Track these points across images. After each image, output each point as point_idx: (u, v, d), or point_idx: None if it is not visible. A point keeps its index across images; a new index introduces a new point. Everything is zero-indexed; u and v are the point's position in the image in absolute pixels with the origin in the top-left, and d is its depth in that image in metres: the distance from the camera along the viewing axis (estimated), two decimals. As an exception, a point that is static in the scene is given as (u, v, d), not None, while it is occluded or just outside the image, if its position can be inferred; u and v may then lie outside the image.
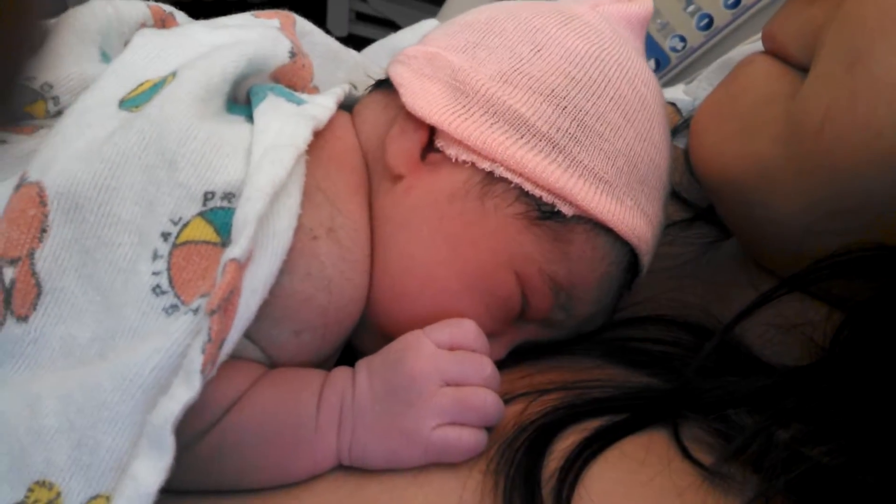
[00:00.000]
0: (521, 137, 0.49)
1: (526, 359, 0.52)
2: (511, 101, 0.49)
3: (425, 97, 0.51)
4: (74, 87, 0.50)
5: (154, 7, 0.58)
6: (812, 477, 0.41)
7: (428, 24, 0.72)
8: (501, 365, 0.51)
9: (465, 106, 0.50)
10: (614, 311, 0.55)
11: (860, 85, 0.43)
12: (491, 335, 0.50)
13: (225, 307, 0.41)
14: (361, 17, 2.24)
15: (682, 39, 1.26)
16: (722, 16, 1.23)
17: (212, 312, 0.40)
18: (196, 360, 0.39)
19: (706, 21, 1.24)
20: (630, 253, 0.52)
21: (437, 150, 0.51)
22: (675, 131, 0.73)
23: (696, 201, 0.67)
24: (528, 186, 0.49)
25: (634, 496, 0.41)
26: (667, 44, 1.27)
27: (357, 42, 0.70)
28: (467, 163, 0.49)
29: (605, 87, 0.51)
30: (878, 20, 0.43)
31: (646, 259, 0.53)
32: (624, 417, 0.46)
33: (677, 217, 0.66)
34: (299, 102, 0.51)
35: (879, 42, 0.42)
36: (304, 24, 0.62)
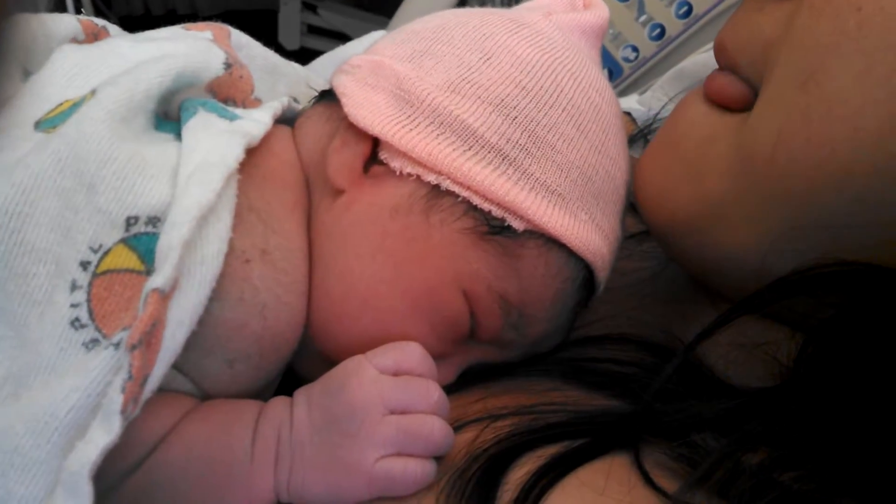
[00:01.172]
0: (469, 149, 0.47)
1: (478, 381, 0.50)
2: (458, 111, 0.47)
3: (368, 107, 0.48)
4: None
5: (85, 21, 0.54)
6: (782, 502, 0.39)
7: (377, 35, 0.69)
8: (451, 388, 0.48)
9: (410, 116, 0.47)
10: (570, 330, 0.53)
11: (813, 102, 0.42)
12: (439, 357, 0.48)
13: (148, 341, 0.37)
14: (313, 31, 2.21)
15: (635, 49, 1.25)
16: (674, 26, 1.22)
17: (132, 347, 0.37)
18: (116, 400, 0.36)
19: (658, 31, 1.24)
20: (585, 269, 0.49)
21: (381, 163, 0.48)
22: (631, 141, 0.71)
23: None
24: (476, 200, 0.46)
25: None
26: (619, 54, 1.26)
27: (309, 55, 0.67)
28: (412, 176, 0.47)
29: (558, 96, 0.49)
30: (832, 36, 0.41)
31: (602, 275, 0.51)
32: (581, 443, 0.43)
33: (634, 229, 0.64)
34: (232, 118, 0.48)
35: (833, 59, 0.41)
36: (239, 37, 0.58)
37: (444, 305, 0.47)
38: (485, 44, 0.50)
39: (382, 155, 0.48)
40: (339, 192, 0.49)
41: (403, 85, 0.48)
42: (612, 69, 1.27)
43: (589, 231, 0.48)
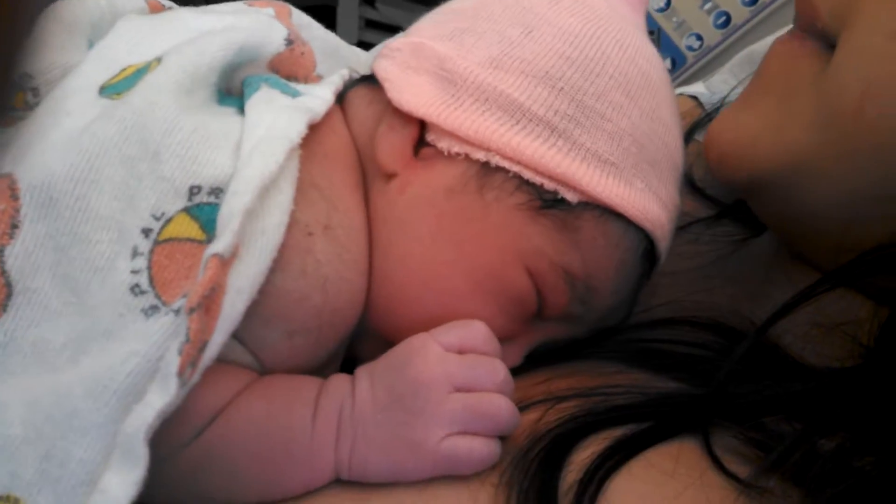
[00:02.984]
0: (517, 123, 0.46)
1: (543, 364, 0.49)
2: (503, 86, 0.46)
3: (411, 90, 0.47)
4: (56, 77, 0.47)
5: (152, 1, 0.55)
6: (861, 490, 0.37)
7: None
8: (516, 371, 0.47)
9: (453, 96, 0.47)
10: (634, 303, 0.51)
11: None
12: (506, 338, 0.47)
13: (207, 306, 0.37)
14: (371, 25, 2.22)
15: (699, 38, 1.22)
16: (740, 13, 1.19)
17: (191, 311, 0.36)
18: (173, 362, 0.36)
19: (724, 19, 1.20)
20: (645, 239, 0.48)
21: (430, 145, 0.47)
22: (698, 125, 0.69)
23: (720, 197, 0.63)
24: (527, 174, 0.45)
25: None
26: (683, 42, 1.23)
27: (367, 49, 0.67)
28: (461, 155, 0.46)
29: (604, 64, 0.47)
30: None
31: (663, 245, 0.49)
32: (648, 426, 0.42)
33: (702, 214, 0.62)
34: (295, 94, 0.47)
35: None
36: (301, 17, 0.58)
37: (508, 284, 0.46)
38: (525, 17, 0.49)
39: (430, 137, 0.47)
40: (391, 176, 0.48)
41: (445, 65, 0.47)
42: (676, 58, 1.24)
43: (646, 199, 0.47)
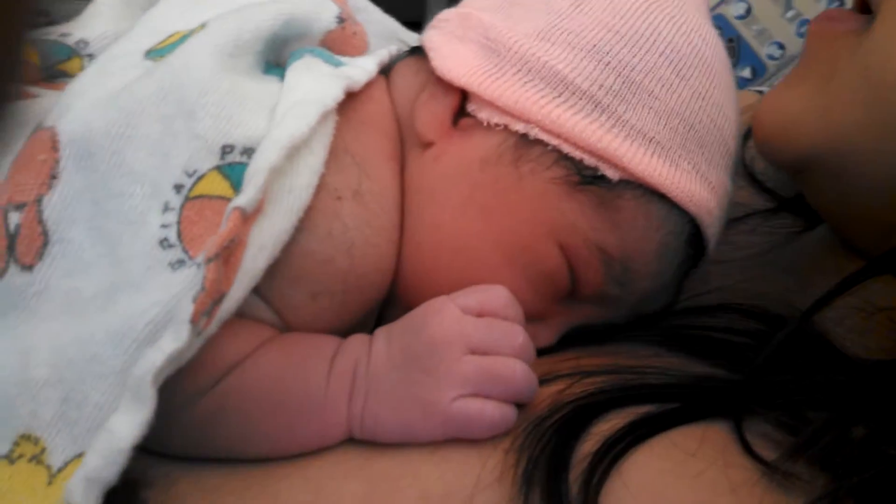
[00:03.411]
0: (559, 96, 0.45)
1: (575, 344, 0.47)
2: (547, 58, 0.45)
3: (455, 59, 0.47)
4: (110, 44, 0.49)
5: None
6: (891, 479, 0.34)
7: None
8: (547, 350, 0.46)
9: (496, 65, 0.46)
10: (678, 291, 0.50)
11: None
12: (538, 317, 0.46)
13: (225, 257, 0.37)
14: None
15: (781, 47, 1.18)
16: (825, 20, 1.15)
17: (208, 260, 0.37)
18: (186, 309, 0.36)
19: (808, 27, 1.16)
20: (690, 223, 0.46)
21: (470, 116, 0.47)
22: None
23: (780, 190, 0.61)
24: (566, 148, 0.44)
25: (680, 489, 0.36)
26: (764, 51, 1.20)
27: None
28: (500, 126, 0.45)
29: (655, 40, 0.46)
30: None
31: (710, 231, 0.47)
32: (678, 406, 0.40)
33: (760, 206, 0.60)
34: (338, 64, 0.48)
35: None
36: (357, 0, 0.59)
37: (539, 259, 0.45)
38: None
39: (470, 107, 0.47)
40: (428, 145, 0.48)
41: (490, 34, 0.47)
42: (756, 67, 1.20)
43: (692, 181, 0.45)
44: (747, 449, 0.37)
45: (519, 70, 0.46)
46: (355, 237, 0.43)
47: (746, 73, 1.20)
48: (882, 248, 0.42)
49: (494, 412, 0.39)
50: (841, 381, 0.39)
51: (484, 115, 0.46)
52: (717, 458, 0.37)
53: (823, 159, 0.44)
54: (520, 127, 0.45)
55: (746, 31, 1.19)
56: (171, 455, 0.41)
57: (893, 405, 0.37)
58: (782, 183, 0.61)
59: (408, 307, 0.46)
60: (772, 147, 0.47)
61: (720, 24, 1.21)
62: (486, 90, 0.45)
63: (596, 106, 0.44)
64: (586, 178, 0.45)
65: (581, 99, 0.45)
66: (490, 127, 0.46)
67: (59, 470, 0.37)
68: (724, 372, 0.43)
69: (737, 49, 1.20)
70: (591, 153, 0.44)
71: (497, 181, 0.45)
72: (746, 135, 0.64)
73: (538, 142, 0.45)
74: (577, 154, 0.44)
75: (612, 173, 0.44)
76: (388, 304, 0.47)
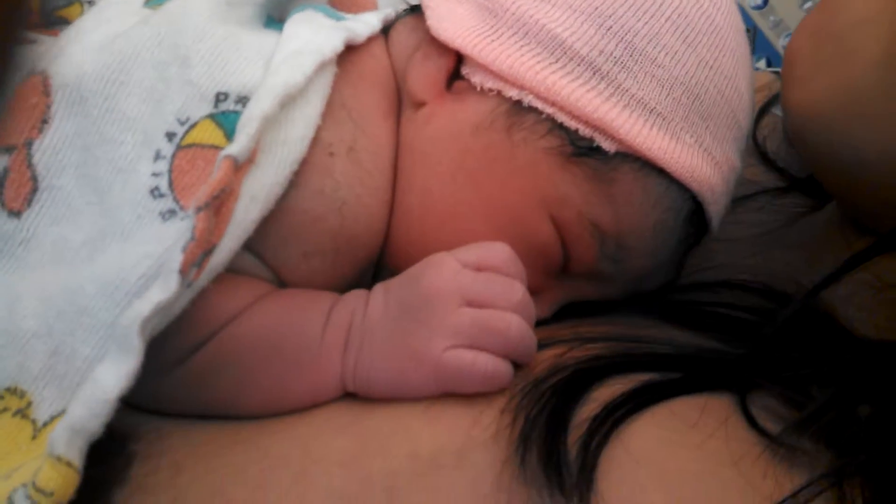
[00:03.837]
0: (556, 62, 0.43)
1: (573, 316, 0.46)
2: (546, 20, 0.43)
3: (451, 19, 0.45)
4: None
5: None
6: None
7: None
8: (545, 321, 0.45)
9: (493, 27, 0.44)
10: (679, 271, 0.48)
11: None
12: (531, 291, 0.44)
13: (216, 207, 0.36)
14: None
15: (798, 38, 1.17)
16: (843, 13, 1.13)
17: (198, 210, 0.36)
18: (175, 259, 0.35)
19: (825, 18, 1.14)
20: (691, 199, 0.44)
21: (464, 78, 0.45)
22: (777, 99, 0.65)
23: (793, 171, 0.59)
24: (561, 117, 0.43)
25: (680, 458, 0.34)
26: (780, 42, 1.18)
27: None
28: (493, 91, 0.44)
29: (661, 5, 0.44)
30: None
31: (713, 209, 0.45)
32: (681, 375, 0.38)
33: (770, 185, 0.58)
34: (339, 19, 0.47)
35: None
36: None
37: (530, 231, 0.44)
38: None
39: (465, 70, 0.45)
40: (419, 105, 0.46)
41: None
42: (771, 58, 1.18)
43: (694, 156, 0.43)
44: (751, 421, 0.36)
45: (515, 33, 0.44)
46: (346, 196, 0.42)
47: (762, 63, 1.18)
48: (890, 224, 0.40)
49: (487, 363, 0.37)
50: (847, 357, 0.38)
51: (478, 79, 0.44)
52: (719, 430, 0.35)
53: (835, 119, 0.42)
54: (513, 93, 0.43)
55: (763, 22, 1.17)
56: (164, 413, 0.40)
57: None
58: (794, 162, 0.60)
59: (397, 273, 0.45)
60: (787, 93, 0.45)
61: (736, 14, 1.19)
62: (480, 53, 0.44)
63: (595, 73, 0.43)
64: (581, 149, 0.43)
65: (579, 65, 0.43)
66: (483, 91, 0.44)
67: (45, 424, 0.36)
68: (727, 346, 0.42)
69: (752, 39, 1.18)
70: (587, 123, 0.43)
71: (488, 148, 0.44)
72: (760, 112, 0.63)
73: (532, 109, 0.43)
74: (572, 124, 0.43)
75: (608, 145, 0.43)
76: (378, 269, 0.46)
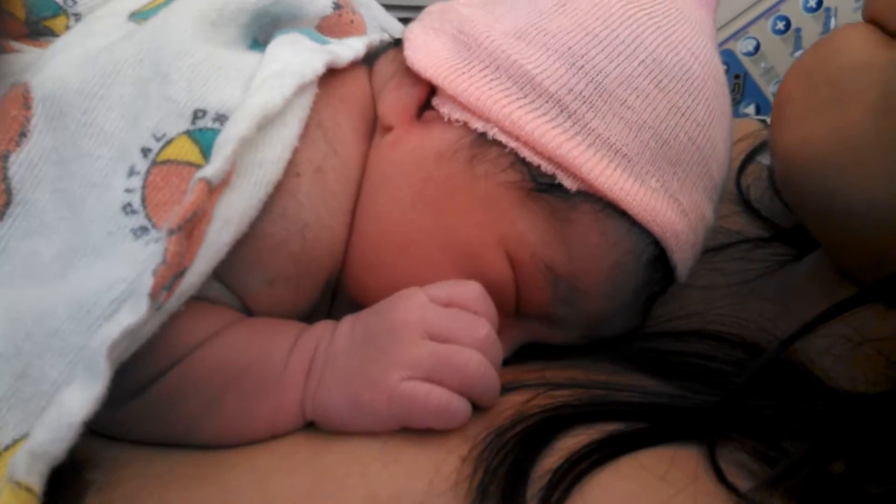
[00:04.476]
0: (524, 97, 0.43)
1: (537, 358, 0.45)
2: (518, 57, 0.43)
3: (425, 50, 0.45)
4: (99, 5, 0.48)
5: None
6: None
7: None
8: (509, 361, 0.44)
9: (465, 60, 0.44)
10: (644, 316, 0.47)
11: None
12: None
13: (188, 230, 0.36)
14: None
15: (787, 86, 1.18)
16: (833, 64, 1.14)
17: (170, 232, 0.35)
18: (146, 283, 0.34)
19: (815, 68, 1.16)
20: (653, 244, 0.44)
21: (433, 108, 0.45)
22: (763, 147, 0.65)
23: (777, 220, 0.59)
24: (524, 152, 0.42)
25: None
26: (769, 89, 1.19)
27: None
28: (460, 122, 0.44)
29: (635, 49, 0.43)
30: None
31: (678, 256, 0.45)
32: (648, 425, 0.38)
33: (752, 234, 0.58)
34: (324, 42, 0.46)
35: None
36: None
37: (486, 267, 0.43)
38: None
39: (435, 101, 0.45)
40: (388, 129, 0.46)
41: (465, 28, 0.45)
42: (761, 104, 1.19)
43: (659, 200, 0.43)
44: (720, 477, 0.35)
45: (486, 67, 0.44)
46: (308, 218, 0.41)
47: (751, 109, 1.19)
48: (875, 276, 0.40)
49: (441, 397, 0.37)
50: (821, 411, 0.37)
51: (446, 109, 0.44)
52: (688, 485, 0.35)
53: (826, 164, 0.42)
54: (479, 125, 0.43)
55: (754, 68, 1.18)
56: (123, 438, 0.39)
57: (875, 440, 0.35)
58: (778, 211, 0.60)
59: (351, 301, 0.45)
60: (778, 137, 0.45)
61: (728, 59, 1.20)
62: (450, 84, 0.44)
63: (562, 111, 0.42)
64: (541, 185, 0.42)
65: (547, 102, 0.42)
66: (450, 122, 0.44)
67: (7, 447, 0.35)
68: (697, 396, 0.41)
69: (743, 85, 1.19)
70: (550, 159, 0.42)
71: (450, 178, 0.43)
72: (745, 160, 0.63)
73: (496, 143, 0.43)
74: (534, 159, 0.42)
75: (569, 183, 0.42)
76: (335, 293, 0.46)
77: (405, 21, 0.59)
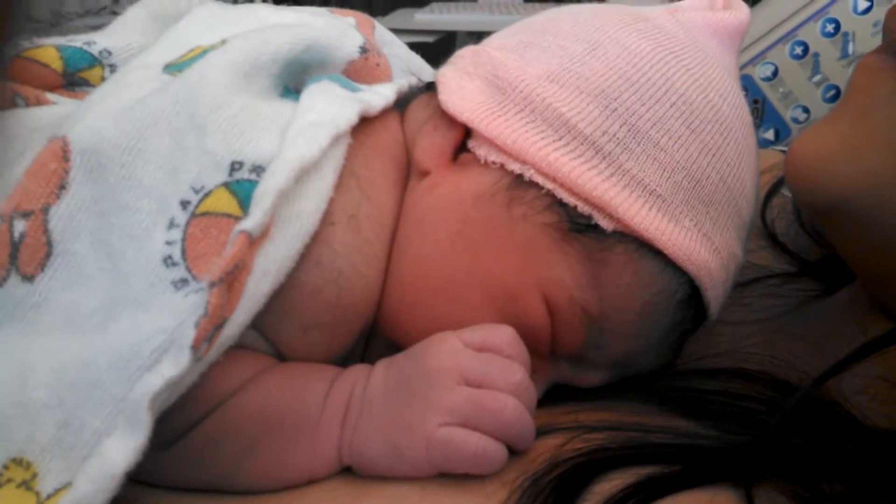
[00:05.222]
0: (560, 139, 0.43)
1: (574, 398, 0.45)
2: (553, 100, 0.44)
3: (461, 94, 0.46)
4: (133, 56, 0.49)
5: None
6: None
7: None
8: (542, 402, 0.44)
9: (500, 104, 0.45)
10: (675, 354, 0.48)
11: None
12: None
13: (229, 282, 0.36)
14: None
15: (806, 111, 1.17)
16: (852, 88, 1.14)
17: (212, 285, 0.36)
18: (188, 334, 0.35)
19: (833, 92, 1.16)
20: (688, 283, 0.44)
21: (470, 151, 0.46)
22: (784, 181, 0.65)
23: (803, 254, 0.59)
24: (561, 194, 0.43)
25: None
26: (788, 114, 1.19)
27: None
28: (496, 164, 0.44)
29: (667, 91, 0.44)
30: None
31: (711, 294, 0.45)
32: (685, 468, 0.38)
33: (779, 269, 0.58)
34: (355, 90, 0.47)
35: None
36: (384, 34, 0.58)
37: (524, 312, 0.43)
38: (594, 35, 0.47)
39: (471, 143, 0.46)
40: (424, 174, 0.47)
41: (499, 72, 0.46)
42: (780, 129, 1.19)
43: (693, 240, 0.44)
44: None
45: (522, 110, 0.45)
46: (343, 265, 0.42)
47: (770, 134, 1.19)
48: None
49: (478, 443, 0.38)
50: (859, 450, 0.37)
51: (482, 152, 0.45)
52: None
53: (852, 205, 0.42)
54: (516, 167, 0.44)
55: (772, 93, 1.19)
56: (158, 485, 0.40)
57: None
58: (805, 246, 0.60)
59: (386, 343, 0.45)
60: (802, 186, 0.45)
61: (747, 84, 1.20)
62: (487, 127, 0.44)
63: (597, 152, 0.43)
64: (578, 225, 0.43)
65: (582, 144, 0.43)
66: (487, 164, 0.45)
67: (49, 496, 0.36)
68: (731, 436, 0.42)
69: (762, 110, 1.19)
70: (586, 200, 0.43)
71: (489, 220, 0.44)
72: (769, 194, 0.63)
73: (533, 184, 0.43)
74: (571, 200, 0.43)
75: (606, 223, 0.43)
76: (371, 336, 0.46)
77: (413, 47, 0.61)
